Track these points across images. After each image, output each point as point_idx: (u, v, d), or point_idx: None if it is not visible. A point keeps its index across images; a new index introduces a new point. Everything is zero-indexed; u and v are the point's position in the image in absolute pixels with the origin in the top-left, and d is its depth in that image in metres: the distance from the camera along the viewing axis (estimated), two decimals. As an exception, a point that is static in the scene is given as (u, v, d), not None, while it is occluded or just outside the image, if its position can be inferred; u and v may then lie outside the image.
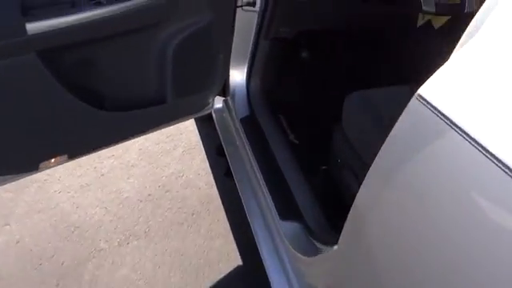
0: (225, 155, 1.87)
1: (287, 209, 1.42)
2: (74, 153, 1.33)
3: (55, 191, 1.86)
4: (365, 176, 1.27)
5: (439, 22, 1.56)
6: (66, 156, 1.32)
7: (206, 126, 2.18)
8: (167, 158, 2.09)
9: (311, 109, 1.81)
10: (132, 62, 1.32)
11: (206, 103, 1.67)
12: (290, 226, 1.35)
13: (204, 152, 2.15)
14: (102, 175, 1.95)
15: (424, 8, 1.25)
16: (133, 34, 1.24)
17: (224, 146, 1.90)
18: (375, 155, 1.27)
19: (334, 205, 1.39)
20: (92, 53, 1.21)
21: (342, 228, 1.12)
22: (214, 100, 1.73)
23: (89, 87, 1.26)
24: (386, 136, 1.27)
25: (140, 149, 2.10)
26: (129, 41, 1.25)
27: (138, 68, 1.34)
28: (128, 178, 1.96)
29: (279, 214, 1.39)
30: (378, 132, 1.30)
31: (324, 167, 1.60)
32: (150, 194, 1.91)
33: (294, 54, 1.82)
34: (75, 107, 1.23)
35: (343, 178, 1.32)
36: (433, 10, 1.25)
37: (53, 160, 1.30)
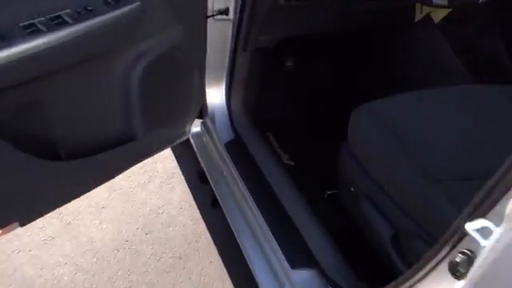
0: (209, 182, 1.64)
1: (296, 251, 1.20)
2: (26, 218, 1.07)
3: (13, 251, 1.57)
4: (388, 209, 1.07)
5: (440, 14, 1.38)
6: (16, 224, 1.05)
7: (184, 150, 1.93)
8: (143, 193, 1.83)
9: (304, 124, 1.60)
10: (88, 96, 1.07)
11: (182, 132, 1.43)
12: (304, 276, 1.12)
13: (184, 181, 1.90)
14: (68, 224, 1.68)
15: (435, 1, 1.05)
16: (86, 64, 0.99)
17: (207, 174, 1.67)
18: (395, 181, 1.07)
19: (354, 245, 1.17)
20: (35, 93, 0.96)
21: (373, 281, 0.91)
22: (191, 126, 1.49)
23: (36, 135, 1.00)
24: (404, 154, 1.07)
25: (110, 186, 1.83)
26: (81, 72, 1.00)
27: (96, 103, 1.09)
28: (100, 224, 1.69)
29: (288, 260, 1.17)
30: (396, 150, 1.11)
31: (329, 192, 1.39)
32: (127, 240, 1.65)
33: (278, 65, 1.60)
34: (21, 163, 0.96)
35: (360, 210, 1.10)
36: (445, 2, 1.06)
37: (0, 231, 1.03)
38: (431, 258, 0.68)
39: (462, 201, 0.93)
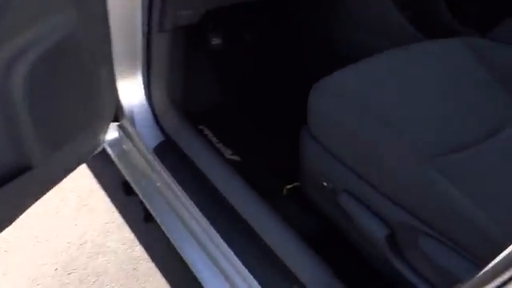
0: (136, 194, 1.36)
1: (267, 269, 0.98)
2: None
3: None
4: (377, 203, 0.89)
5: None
6: None
7: (100, 160, 1.60)
8: (57, 222, 1.48)
9: (244, 110, 1.37)
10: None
11: (95, 143, 1.13)
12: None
13: (107, 197, 1.58)
14: (-38, 283, 1.30)
15: None
16: None
17: (133, 186, 1.38)
18: (381, 167, 0.89)
19: (336, 250, 0.98)
20: None
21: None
22: (105, 133, 1.19)
23: None
24: (386, 131, 0.88)
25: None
26: None
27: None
28: (4, 274, 1.33)
29: (261, 284, 0.95)
30: (375, 128, 0.92)
31: (288, 187, 1.19)
32: (46, 288, 1.32)
33: (204, 44, 1.33)
34: None
35: (339, 208, 0.91)
36: None
37: None
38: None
39: (467, 179, 0.78)
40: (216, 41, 1.35)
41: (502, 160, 0.83)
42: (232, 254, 1.05)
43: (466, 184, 0.77)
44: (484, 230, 0.71)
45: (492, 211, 0.72)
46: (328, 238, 1.01)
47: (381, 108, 0.89)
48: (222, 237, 1.10)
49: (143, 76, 1.20)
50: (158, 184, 1.27)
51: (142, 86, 1.22)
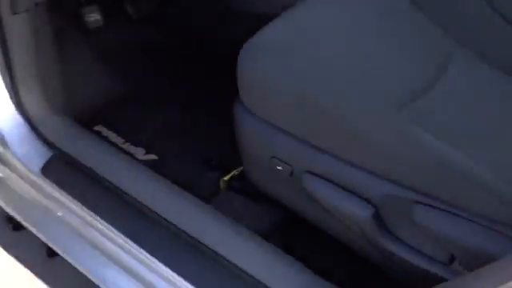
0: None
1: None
2: None
3: None
4: (352, 178, 0.73)
5: None
6: None
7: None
8: None
9: (145, 98, 1.12)
10: None
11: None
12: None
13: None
14: None
15: None
16: None
17: (21, 220, 1.10)
18: (349, 132, 0.74)
19: (307, 245, 0.83)
20: None
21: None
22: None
23: None
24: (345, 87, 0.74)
25: None
26: None
27: None
28: None
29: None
30: (331, 86, 0.76)
31: (225, 178, 0.99)
32: None
33: (79, 22, 1.04)
34: None
35: (305, 193, 0.75)
36: None
37: None
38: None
39: (445, 127, 0.68)
40: (93, 16, 1.06)
41: (466, 97, 0.74)
42: (179, 278, 0.84)
43: (447, 133, 0.66)
44: (484, 182, 0.61)
45: (488, 160, 0.62)
46: (294, 231, 0.86)
47: (329, 62, 0.74)
48: (160, 259, 0.88)
49: (4, 78, 0.89)
50: (59, 213, 0.99)
51: (6, 91, 0.91)
